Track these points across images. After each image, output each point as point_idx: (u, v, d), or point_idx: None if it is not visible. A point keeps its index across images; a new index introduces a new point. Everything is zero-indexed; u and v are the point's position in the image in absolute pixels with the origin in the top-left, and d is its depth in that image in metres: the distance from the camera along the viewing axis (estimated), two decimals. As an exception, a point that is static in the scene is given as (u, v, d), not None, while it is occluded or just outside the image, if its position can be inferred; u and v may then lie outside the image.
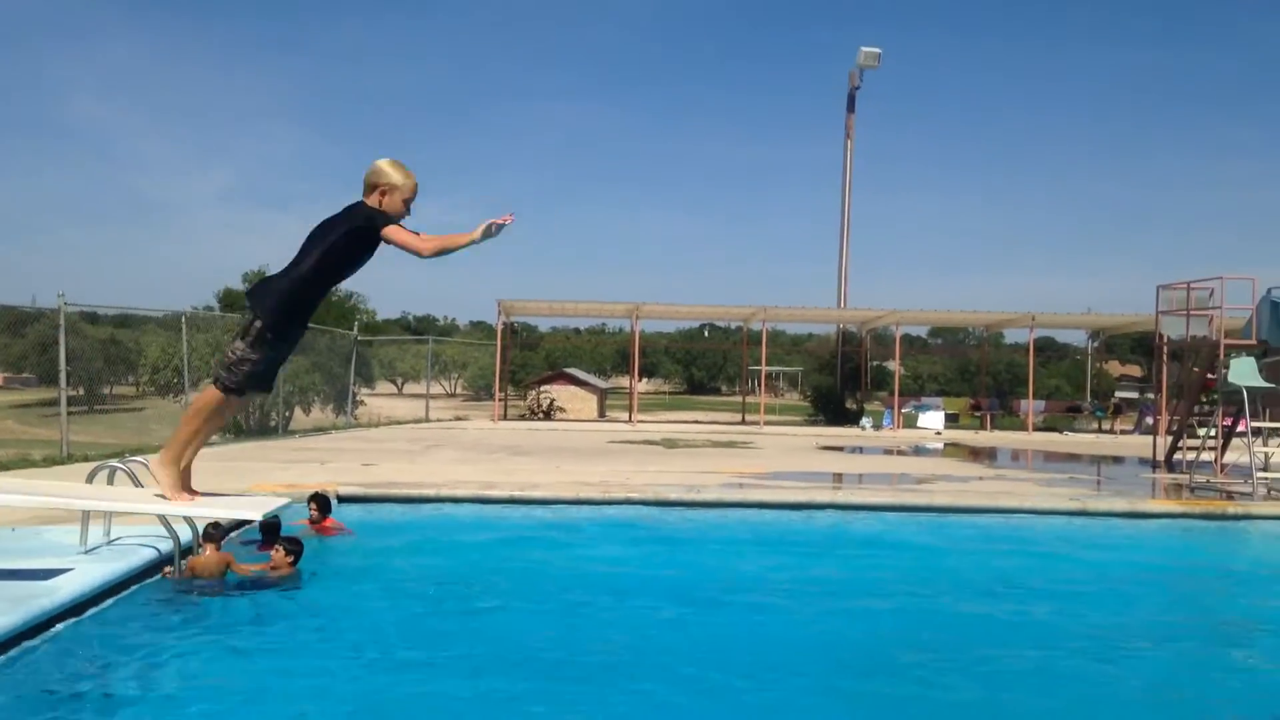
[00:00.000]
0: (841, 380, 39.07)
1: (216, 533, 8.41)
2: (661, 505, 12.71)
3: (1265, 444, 16.03)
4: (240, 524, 9.70)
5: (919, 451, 23.26)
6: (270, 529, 9.53)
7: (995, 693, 6.31)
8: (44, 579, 7.21)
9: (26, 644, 6.21)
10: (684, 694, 6.05)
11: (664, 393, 74.99)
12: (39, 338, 34.68)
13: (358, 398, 31.12)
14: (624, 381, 54.23)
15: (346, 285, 48.69)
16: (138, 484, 8.38)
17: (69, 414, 18.04)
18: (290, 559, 8.42)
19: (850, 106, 39.77)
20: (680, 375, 79.92)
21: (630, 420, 33.88)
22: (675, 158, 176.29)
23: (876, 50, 38.62)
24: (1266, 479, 15.07)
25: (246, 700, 5.76)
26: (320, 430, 25.78)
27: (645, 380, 76.62)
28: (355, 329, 31.90)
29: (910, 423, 34.98)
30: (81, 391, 32.48)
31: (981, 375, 45.89)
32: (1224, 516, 13.19)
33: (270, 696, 5.83)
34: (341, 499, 12.40)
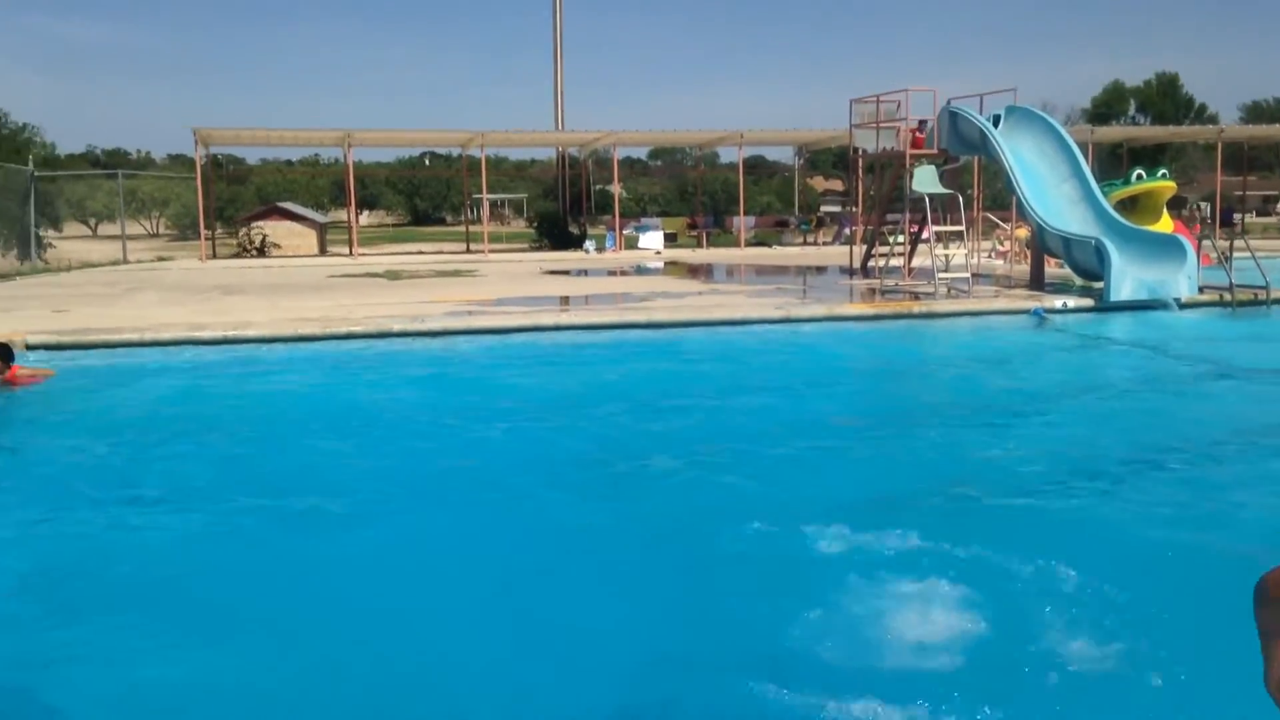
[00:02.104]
0: (564, 205, 39.23)
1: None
2: (385, 337, 12.56)
3: (946, 248, 17.56)
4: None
5: (640, 271, 23.94)
6: None
7: (711, 475, 6.85)
8: None
9: None
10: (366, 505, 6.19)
11: (387, 225, 72.80)
12: None
13: (45, 240, 28.39)
14: (344, 215, 52.24)
15: (17, 115, 43.52)
16: None
17: None
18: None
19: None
20: (403, 206, 77.61)
21: (351, 254, 32.85)
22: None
23: None
24: (947, 279, 16.60)
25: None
26: (3, 277, 23.48)
27: (366, 213, 73.95)
28: (30, 164, 28.84)
29: (631, 244, 35.79)
30: None
31: (698, 195, 47.29)
32: (910, 316, 14.51)
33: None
34: (30, 348, 11.48)
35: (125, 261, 28.76)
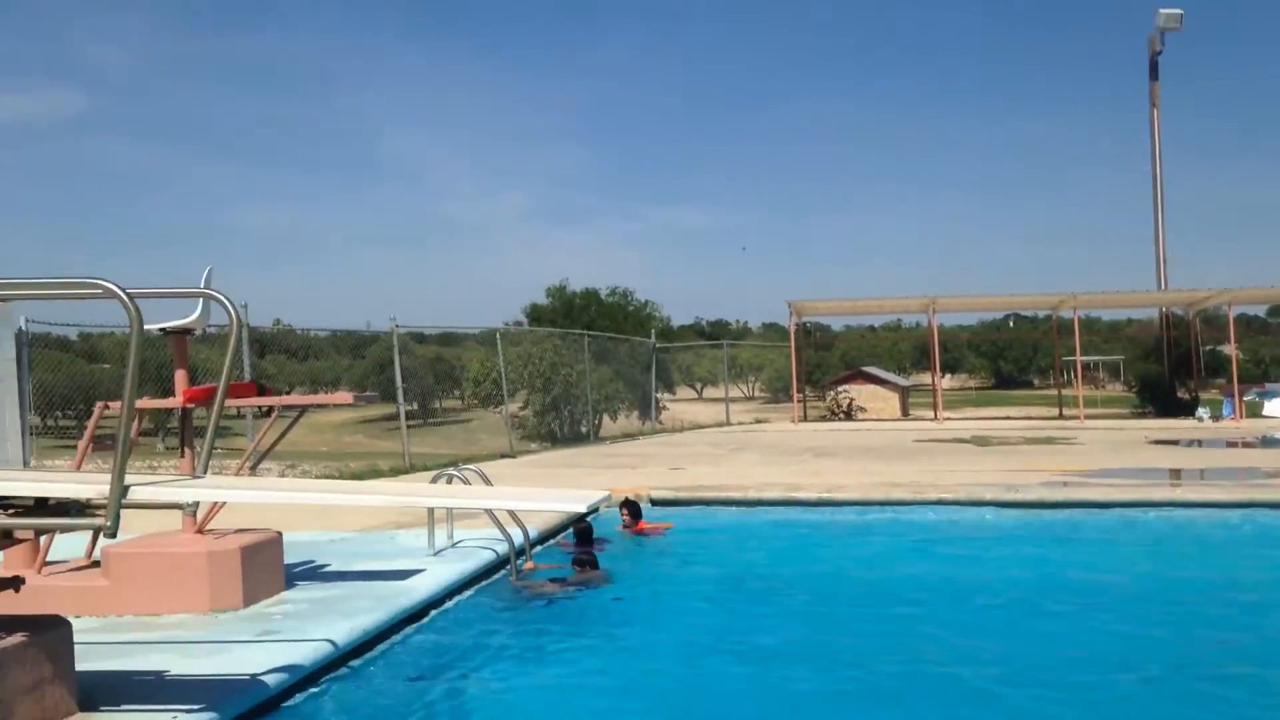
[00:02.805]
0: (1170, 368, 36.11)
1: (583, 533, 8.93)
2: (977, 505, 12.23)
3: None
4: (574, 519, 10.27)
5: (1268, 443, 21.11)
6: (583, 533, 10.00)
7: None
8: (402, 579, 7.90)
9: (392, 639, 6.83)
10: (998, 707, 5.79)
11: (970, 388, 72.19)
12: (376, 359, 38.11)
13: (660, 403, 31.98)
14: (925, 378, 52.69)
15: (641, 293, 50.18)
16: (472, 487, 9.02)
17: (407, 427, 19.69)
18: (587, 562, 8.85)
19: (1153, 73, 36.72)
20: (987, 369, 76.60)
21: (936, 418, 32.87)
22: (951, 140, 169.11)
23: (1178, 11, 35.42)
24: None
25: (568, 692, 6.07)
26: (628, 436, 26.71)
27: (949, 376, 73.93)
28: (653, 336, 32.86)
29: (1254, 411, 31.86)
30: (416, 406, 35.29)
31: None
32: None
33: (591, 691, 6.11)
34: (655, 502, 12.81)
35: (728, 423, 31.32)
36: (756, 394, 59.80)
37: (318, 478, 18.26)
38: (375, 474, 17.04)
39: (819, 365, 52.94)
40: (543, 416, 27.38)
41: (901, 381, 43.21)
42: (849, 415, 36.51)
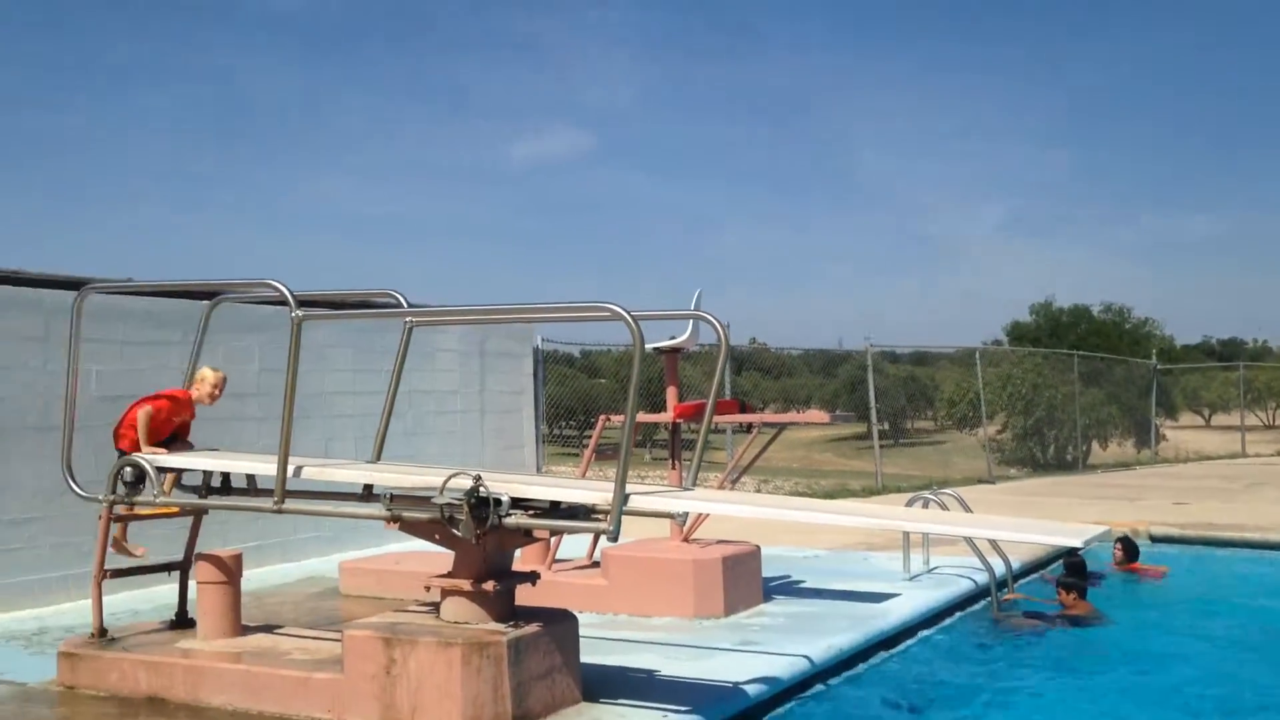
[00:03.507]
0: None
1: (1070, 582, 8.35)
2: None
3: None
4: (1062, 552, 9.62)
5: None
6: (1075, 567, 9.25)
7: None
8: (877, 601, 7.82)
9: (866, 662, 6.77)
10: None
11: None
12: (848, 377, 38.38)
13: (1160, 430, 29.13)
14: None
15: (1139, 310, 46.03)
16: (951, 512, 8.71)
17: (878, 447, 19.57)
18: (1073, 596, 8.14)
19: None
20: None
21: None
22: None
23: None
24: None
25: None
26: (1122, 465, 24.61)
27: None
28: (1153, 356, 30.00)
29: None
30: (886, 426, 35.11)
31: None
32: None
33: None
34: (1154, 539, 11.66)
35: (1243, 454, 27.87)
36: (1277, 422, 52.59)
37: (790, 494, 18.69)
38: (846, 493, 17.10)
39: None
40: (1023, 441, 25.99)
41: None
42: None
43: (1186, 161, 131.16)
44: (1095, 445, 26.81)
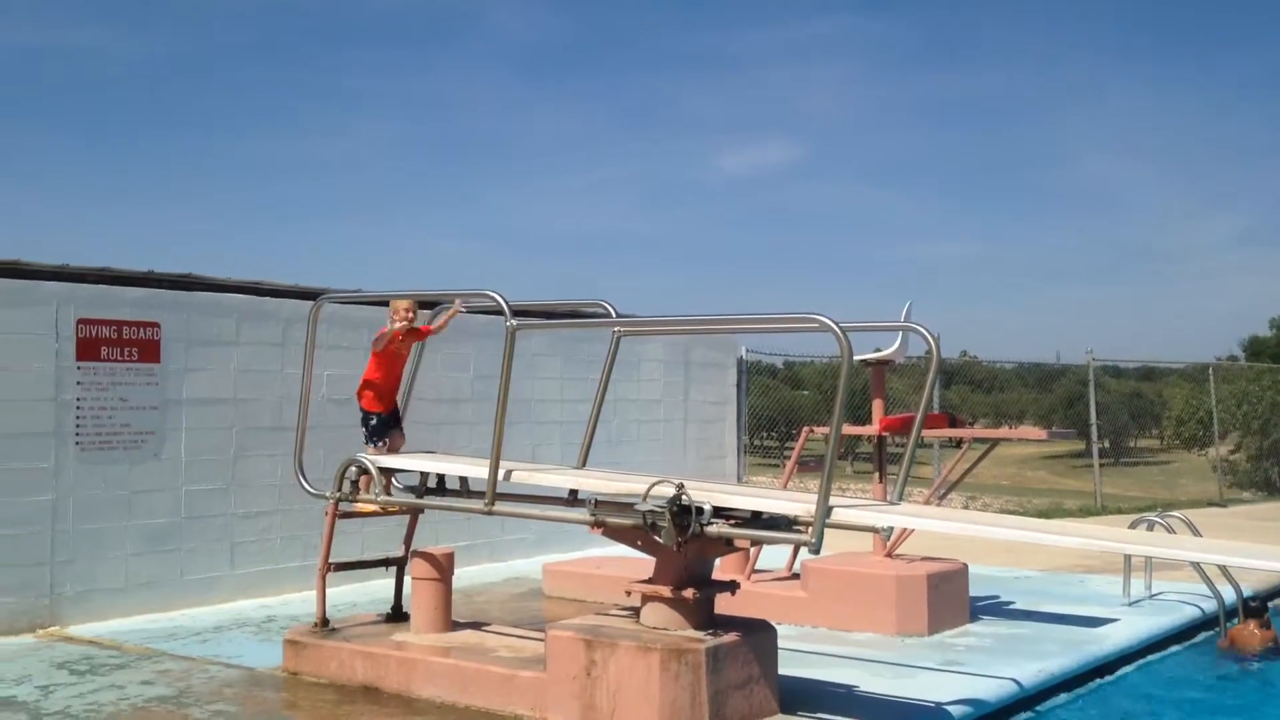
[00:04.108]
0: None
1: (1258, 606, 7.76)
2: None
3: None
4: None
5: None
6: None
7: None
8: (1092, 626, 7.43)
9: (1080, 688, 6.45)
10: None
11: None
12: (1065, 393, 36.60)
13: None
14: None
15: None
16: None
17: (1099, 466, 18.59)
18: (1272, 632, 7.48)
19: None
20: None
21: None
22: None
23: None
24: None
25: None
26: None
27: None
28: None
29: None
30: (1107, 444, 33.29)
31: None
32: None
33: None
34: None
35: None
36: None
37: (999, 512, 17.98)
38: (1061, 512, 16.32)
39: None
40: (1258, 462, 24.12)
41: None
42: None
43: None
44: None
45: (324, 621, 6.25)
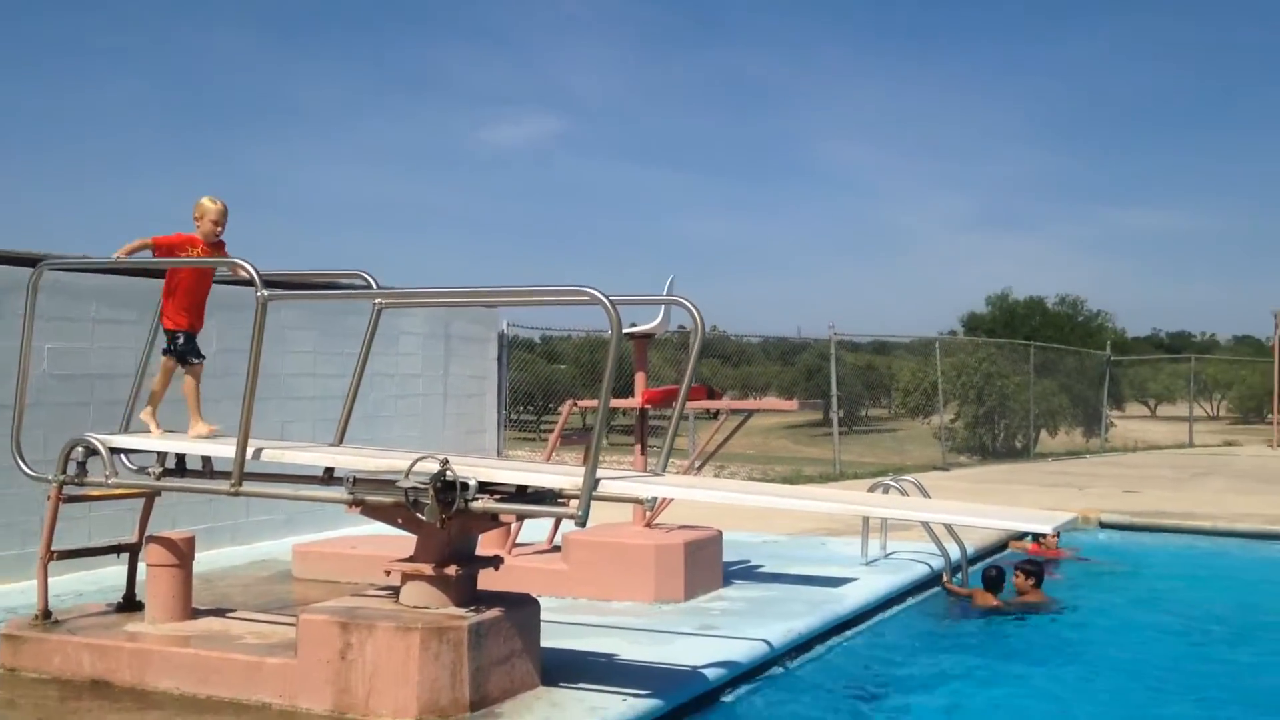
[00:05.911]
0: None
1: (996, 576, 8.33)
2: None
3: None
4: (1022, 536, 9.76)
5: None
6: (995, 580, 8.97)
7: None
8: (834, 586, 7.87)
9: (824, 645, 6.81)
10: None
11: None
12: (806, 365, 38.52)
13: (1109, 420, 29.56)
14: None
15: (1093, 302, 46.40)
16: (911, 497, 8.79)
17: (837, 434, 19.69)
18: (1032, 582, 8.23)
19: None
20: None
21: None
22: None
23: None
24: None
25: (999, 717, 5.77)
26: (1072, 454, 25.00)
27: None
28: (1107, 348, 30.44)
29: None
30: (843, 413, 35.33)
31: None
32: None
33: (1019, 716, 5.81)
34: (1104, 526, 11.89)
35: (1189, 444, 28.38)
36: (1222, 413, 53.65)
37: (748, 479, 18.75)
38: (802, 479, 17.19)
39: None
40: (974, 429, 26.29)
41: None
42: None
43: (1139, 158, 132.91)
44: (1044, 434, 27.16)
45: (46, 613, 5.75)
